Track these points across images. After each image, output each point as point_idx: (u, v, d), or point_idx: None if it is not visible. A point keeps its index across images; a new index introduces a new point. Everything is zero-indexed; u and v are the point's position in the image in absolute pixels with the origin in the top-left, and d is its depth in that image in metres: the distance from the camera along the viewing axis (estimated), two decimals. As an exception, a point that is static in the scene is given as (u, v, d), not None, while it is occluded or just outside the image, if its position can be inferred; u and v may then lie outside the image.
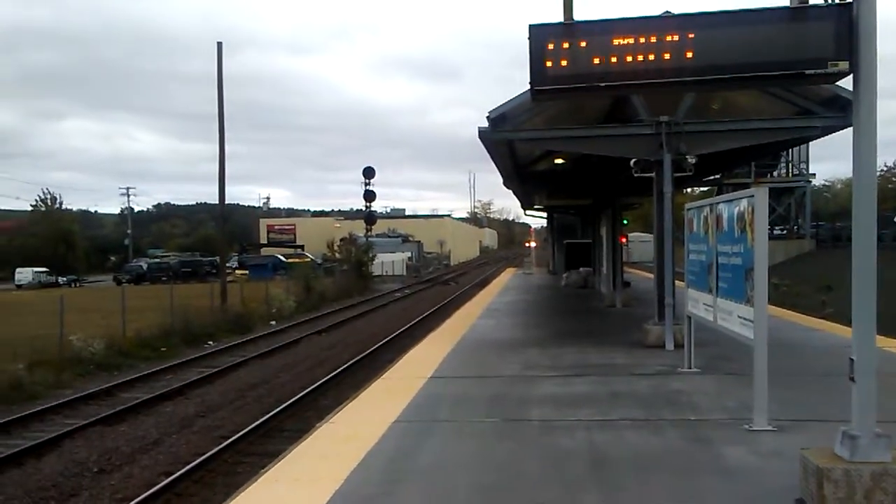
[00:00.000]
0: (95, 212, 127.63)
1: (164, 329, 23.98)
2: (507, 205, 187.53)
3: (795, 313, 18.98)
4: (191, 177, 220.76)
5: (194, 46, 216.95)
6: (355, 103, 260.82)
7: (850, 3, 5.01)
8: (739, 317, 7.71)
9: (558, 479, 6.03)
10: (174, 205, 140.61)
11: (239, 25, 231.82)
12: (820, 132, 13.38)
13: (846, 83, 5.18)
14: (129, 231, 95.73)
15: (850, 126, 5.21)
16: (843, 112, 11.94)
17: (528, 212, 44.15)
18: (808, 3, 5.11)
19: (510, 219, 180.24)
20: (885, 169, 64.08)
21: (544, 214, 46.51)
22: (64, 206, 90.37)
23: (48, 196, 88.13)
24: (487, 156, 16.49)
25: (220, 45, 33.73)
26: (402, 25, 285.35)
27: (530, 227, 75.05)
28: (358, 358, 19.97)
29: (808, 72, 5.11)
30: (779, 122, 13.21)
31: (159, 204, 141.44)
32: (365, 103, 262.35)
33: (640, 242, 57.34)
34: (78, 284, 67.04)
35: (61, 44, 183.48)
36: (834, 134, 13.11)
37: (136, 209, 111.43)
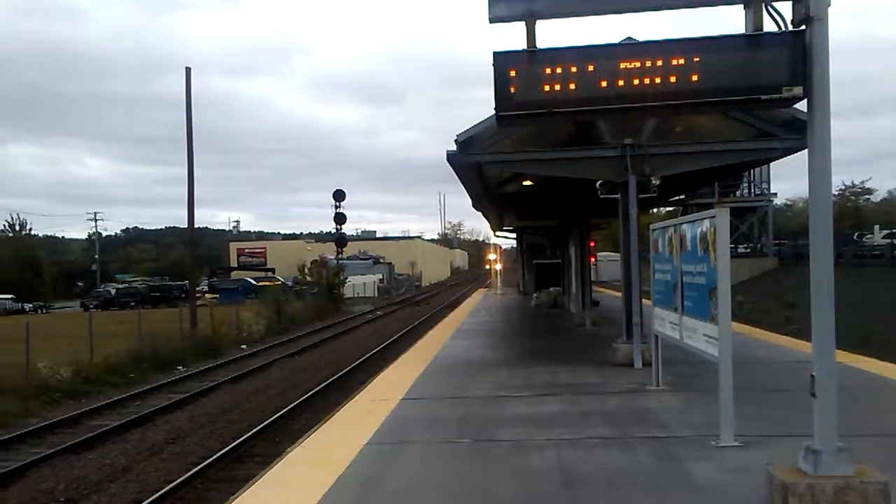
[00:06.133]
0: (62, 237, 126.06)
1: (133, 355, 23.67)
2: (477, 226, 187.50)
3: (760, 330, 19.24)
4: (146, 201, 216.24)
5: (126, 68, 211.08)
6: (305, 125, 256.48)
7: (803, 30, 5.17)
8: (704, 335, 7.85)
9: (530, 499, 6.08)
10: (142, 229, 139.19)
11: (168, 47, 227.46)
12: (779, 153, 13.66)
13: (803, 105, 5.34)
14: (96, 256, 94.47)
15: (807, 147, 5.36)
16: (801, 134, 12.15)
17: (497, 233, 44.32)
18: (762, 30, 5.27)
19: (481, 239, 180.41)
20: (843, 188, 65.38)
21: (514, 235, 46.75)
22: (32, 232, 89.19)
23: (16, 221, 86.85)
24: (454, 177, 16.60)
25: (188, 70, 33.53)
26: (334, 47, 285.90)
27: (499, 246, 75.01)
28: (330, 381, 19.89)
29: (764, 97, 5.26)
30: (739, 144, 13.47)
31: (128, 228, 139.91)
32: (314, 125, 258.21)
33: (608, 262, 57.85)
34: (45, 311, 65.86)
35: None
36: (795, 154, 13.40)
37: (104, 234, 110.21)
